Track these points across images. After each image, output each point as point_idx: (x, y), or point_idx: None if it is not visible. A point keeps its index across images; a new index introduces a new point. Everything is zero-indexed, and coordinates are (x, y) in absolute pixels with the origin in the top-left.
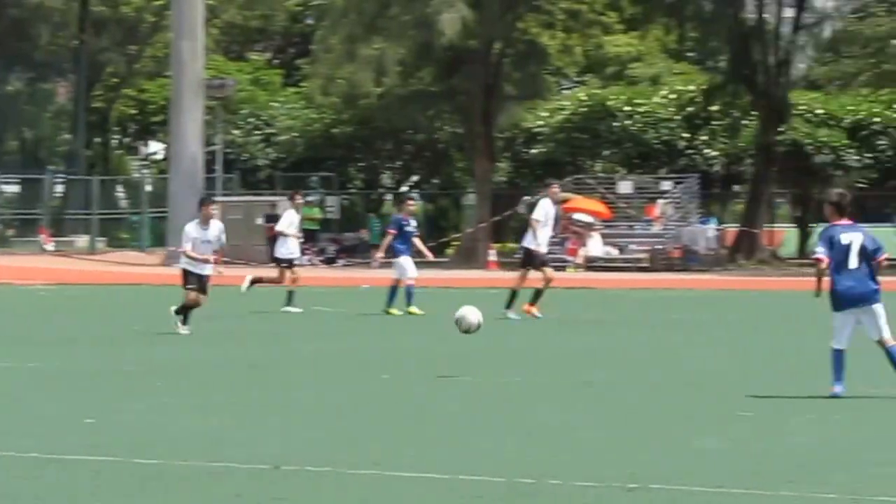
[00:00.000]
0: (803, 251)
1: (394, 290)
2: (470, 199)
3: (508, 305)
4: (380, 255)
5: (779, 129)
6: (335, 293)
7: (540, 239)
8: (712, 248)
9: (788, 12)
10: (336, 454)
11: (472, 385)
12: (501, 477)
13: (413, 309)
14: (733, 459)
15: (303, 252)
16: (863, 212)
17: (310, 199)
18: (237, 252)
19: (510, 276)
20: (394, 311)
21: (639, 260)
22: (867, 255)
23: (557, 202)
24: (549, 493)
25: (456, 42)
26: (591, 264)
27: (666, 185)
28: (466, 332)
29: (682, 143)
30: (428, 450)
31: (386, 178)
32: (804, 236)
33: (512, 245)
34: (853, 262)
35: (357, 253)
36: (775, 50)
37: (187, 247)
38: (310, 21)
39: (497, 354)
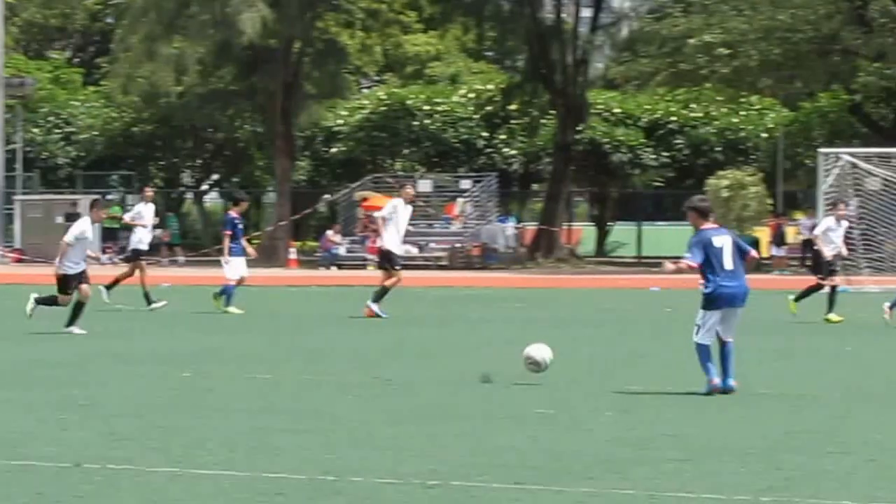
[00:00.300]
0: (601, 249)
1: (230, 289)
2: (270, 197)
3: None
4: (227, 257)
5: (577, 128)
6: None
7: (391, 238)
8: (511, 247)
9: (586, 12)
10: (138, 452)
11: (273, 382)
12: (303, 474)
13: (231, 309)
14: (533, 456)
15: (103, 251)
16: (660, 211)
17: (109, 197)
18: (37, 250)
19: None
20: (231, 309)
21: (438, 258)
22: (740, 255)
23: (409, 202)
24: (350, 491)
25: (255, 41)
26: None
27: (465, 184)
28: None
29: (481, 142)
30: (230, 447)
31: (186, 177)
32: (602, 234)
33: (312, 243)
34: (729, 263)
35: (157, 252)
36: (573, 49)
37: (69, 244)
38: (110, 20)
39: (299, 351)
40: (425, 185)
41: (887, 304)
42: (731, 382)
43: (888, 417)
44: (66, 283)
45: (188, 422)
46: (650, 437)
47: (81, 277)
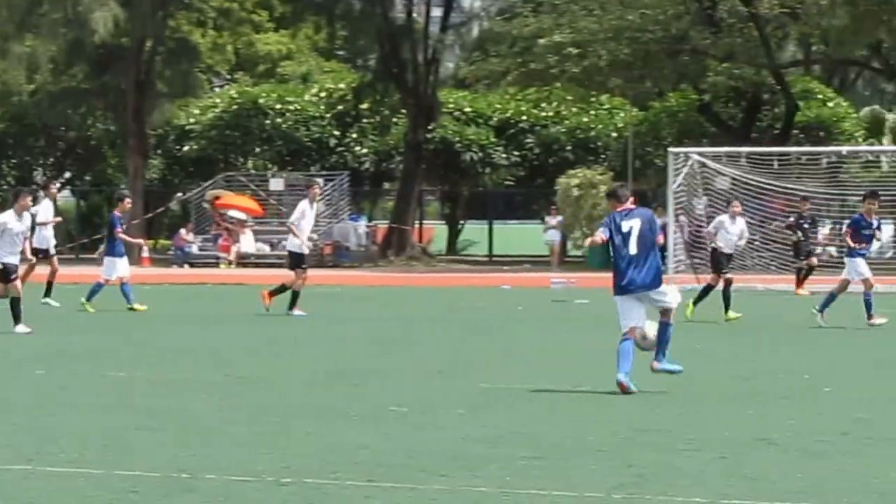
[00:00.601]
0: (453, 248)
1: (98, 286)
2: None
3: (291, 306)
4: (104, 255)
5: (428, 127)
6: None
7: (297, 241)
8: (363, 245)
9: (437, 12)
10: None
11: (127, 380)
12: (157, 472)
13: (137, 306)
14: (386, 454)
15: None
16: (511, 209)
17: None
18: None
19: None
20: (88, 307)
21: None
22: (645, 242)
23: (315, 201)
24: (204, 488)
25: (107, 40)
26: (244, 261)
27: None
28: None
29: (333, 141)
30: (83, 445)
31: (38, 176)
32: (453, 233)
33: (164, 241)
34: (633, 248)
35: None
36: (424, 49)
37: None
38: None
39: (152, 350)
40: (277, 184)
41: (816, 308)
42: (663, 364)
43: (738, 414)
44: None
45: (41, 420)
46: (502, 434)
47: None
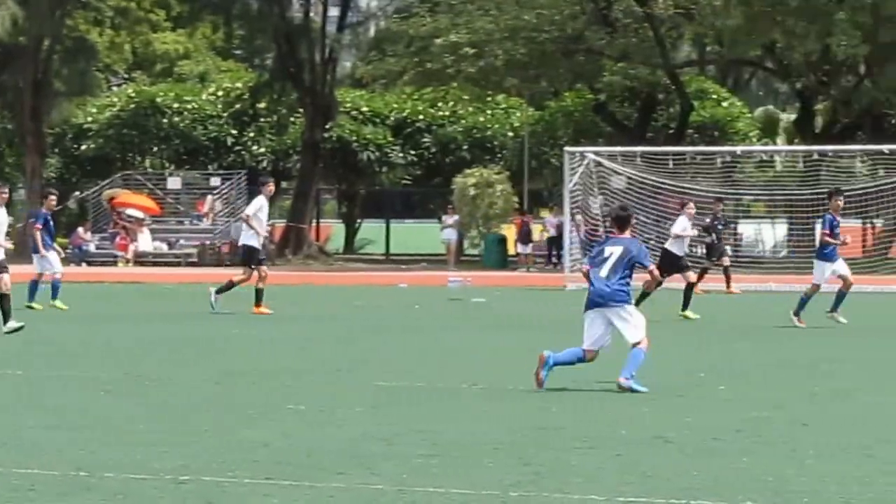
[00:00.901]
0: (350, 246)
1: (35, 284)
2: (20, 194)
3: (257, 305)
4: (42, 251)
5: (325, 127)
6: None
7: (252, 235)
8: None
9: (334, 11)
10: None
11: (24, 378)
12: (55, 470)
13: (58, 303)
14: (284, 451)
15: None
16: (408, 208)
17: None
18: None
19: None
20: (36, 305)
21: (188, 255)
22: (622, 265)
23: (269, 197)
24: (102, 487)
25: (5, 39)
26: (141, 259)
27: (215, 182)
28: None
29: (230, 140)
30: None
31: None
32: (351, 232)
33: (62, 240)
34: (605, 271)
35: None
36: (321, 48)
37: None
38: None
39: (51, 348)
40: (175, 183)
41: (793, 312)
42: (621, 379)
43: (634, 412)
44: None
45: None
46: (400, 432)
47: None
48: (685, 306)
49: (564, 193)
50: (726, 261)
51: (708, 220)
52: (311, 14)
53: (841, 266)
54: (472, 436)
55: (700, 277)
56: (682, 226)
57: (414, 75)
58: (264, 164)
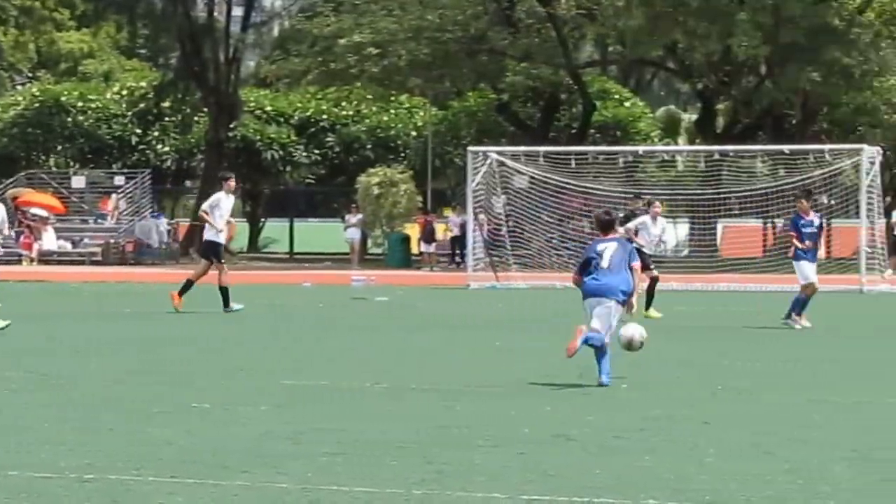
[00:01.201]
0: (254, 245)
1: None
2: None
3: (226, 305)
4: None
5: (229, 126)
6: None
7: (213, 231)
8: (165, 243)
9: (238, 11)
10: None
11: None
12: None
13: None
14: (189, 450)
15: None
16: (312, 207)
17: None
18: None
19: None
20: None
21: (93, 254)
22: (618, 260)
23: (230, 192)
24: (7, 485)
25: None
26: (46, 258)
27: (119, 181)
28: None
29: (135, 139)
30: None
31: None
32: (255, 231)
33: None
34: (606, 262)
35: None
36: (225, 48)
37: None
38: None
39: None
40: (79, 182)
41: (794, 312)
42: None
43: (537, 411)
44: None
45: None
46: (304, 431)
47: None
48: (648, 305)
49: (468, 193)
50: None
51: (622, 215)
52: (215, 13)
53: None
54: (376, 435)
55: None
56: (638, 223)
57: (318, 75)
58: (168, 163)
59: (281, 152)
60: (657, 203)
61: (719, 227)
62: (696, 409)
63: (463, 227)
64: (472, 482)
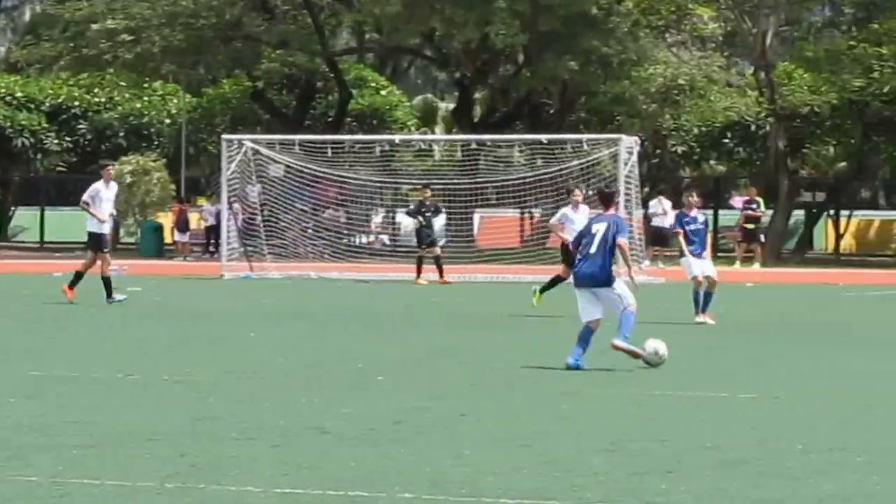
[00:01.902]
0: (3, 233)
1: None
2: None
3: (108, 295)
4: None
5: None
6: None
7: (97, 222)
8: None
9: None
10: None
11: None
12: None
13: None
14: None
15: None
16: (63, 195)
17: None
18: None
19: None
20: None
21: None
22: (601, 243)
23: (110, 181)
24: None
25: None
26: None
27: None
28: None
29: None
30: None
31: None
32: (5, 219)
33: None
34: (594, 248)
35: None
36: None
37: None
38: None
39: None
40: None
41: (696, 311)
42: (622, 342)
43: (293, 403)
44: None
45: None
46: (54, 423)
47: None
48: (544, 290)
49: (222, 181)
50: (437, 250)
51: (412, 206)
52: None
53: (707, 266)
54: (127, 426)
55: (419, 269)
56: (560, 215)
57: (70, 60)
58: None
59: (32, 139)
60: (577, 191)
61: (476, 217)
62: (453, 401)
63: (217, 216)
64: (225, 475)
